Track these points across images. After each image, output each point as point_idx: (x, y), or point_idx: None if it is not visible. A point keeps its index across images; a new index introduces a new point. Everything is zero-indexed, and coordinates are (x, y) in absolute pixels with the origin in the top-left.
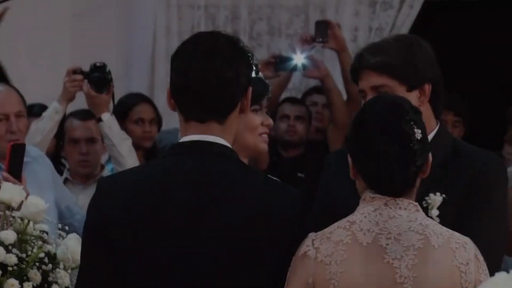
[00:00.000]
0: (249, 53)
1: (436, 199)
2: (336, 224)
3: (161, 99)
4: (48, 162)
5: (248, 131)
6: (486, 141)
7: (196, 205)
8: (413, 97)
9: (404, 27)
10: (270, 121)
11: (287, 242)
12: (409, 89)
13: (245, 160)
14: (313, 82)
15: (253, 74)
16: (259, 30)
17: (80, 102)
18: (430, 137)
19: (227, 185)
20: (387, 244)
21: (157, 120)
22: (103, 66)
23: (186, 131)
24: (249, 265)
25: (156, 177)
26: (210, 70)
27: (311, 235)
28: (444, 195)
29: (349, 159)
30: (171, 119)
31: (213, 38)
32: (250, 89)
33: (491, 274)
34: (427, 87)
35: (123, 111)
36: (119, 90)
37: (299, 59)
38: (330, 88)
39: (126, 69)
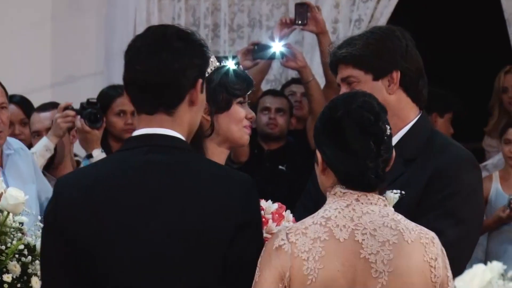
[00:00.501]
0: (203, 46)
1: (392, 196)
2: (309, 219)
3: None
4: (29, 154)
5: (233, 123)
6: (468, 132)
7: (145, 199)
8: (382, 86)
9: (382, 18)
10: (253, 114)
11: (233, 227)
12: (376, 78)
13: (227, 152)
14: (292, 74)
15: (234, 66)
16: (240, 22)
17: None
18: (406, 128)
19: (175, 175)
20: (363, 240)
21: None
22: (96, 102)
23: (139, 124)
24: (199, 253)
25: (106, 174)
26: (156, 63)
27: (284, 228)
28: (402, 192)
29: (318, 155)
30: None
31: (161, 31)
32: (200, 81)
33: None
34: (395, 75)
35: (105, 103)
36: (100, 83)
37: (277, 47)
38: (308, 80)
39: (106, 62)
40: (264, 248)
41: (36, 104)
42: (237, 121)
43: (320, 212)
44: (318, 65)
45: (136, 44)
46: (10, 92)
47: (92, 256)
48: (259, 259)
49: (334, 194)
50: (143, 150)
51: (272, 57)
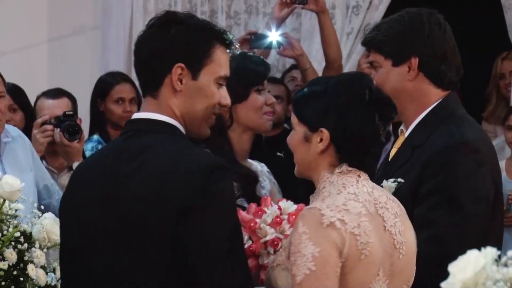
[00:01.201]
0: (195, 31)
1: (389, 185)
2: (339, 197)
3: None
4: (27, 142)
5: (252, 112)
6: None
7: (112, 181)
8: (401, 72)
9: (381, 5)
10: (273, 100)
11: (174, 213)
12: (395, 64)
13: (251, 139)
14: (290, 61)
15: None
16: (237, 9)
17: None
18: (424, 113)
19: (136, 161)
20: (383, 213)
21: (137, 99)
22: (73, 114)
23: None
24: (143, 239)
25: (92, 161)
26: (139, 46)
27: (316, 206)
28: (399, 180)
29: (326, 133)
30: None
31: (159, 17)
32: (178, 66)
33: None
34: (414, 61)
35: (103, 90)
36: (97, 71)
37: (274, 36)
38: (305, 67)
39: (103, 49)
40: (304, 229)
41: (32, 89)
42: (256, 109)
43: (341, 189)
44: (316, 51)
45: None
46: (6, 77)
47: (64, 232)
48: (304, 240)
49: (341, 172)
50: (126, 135)
51: (269, 47)
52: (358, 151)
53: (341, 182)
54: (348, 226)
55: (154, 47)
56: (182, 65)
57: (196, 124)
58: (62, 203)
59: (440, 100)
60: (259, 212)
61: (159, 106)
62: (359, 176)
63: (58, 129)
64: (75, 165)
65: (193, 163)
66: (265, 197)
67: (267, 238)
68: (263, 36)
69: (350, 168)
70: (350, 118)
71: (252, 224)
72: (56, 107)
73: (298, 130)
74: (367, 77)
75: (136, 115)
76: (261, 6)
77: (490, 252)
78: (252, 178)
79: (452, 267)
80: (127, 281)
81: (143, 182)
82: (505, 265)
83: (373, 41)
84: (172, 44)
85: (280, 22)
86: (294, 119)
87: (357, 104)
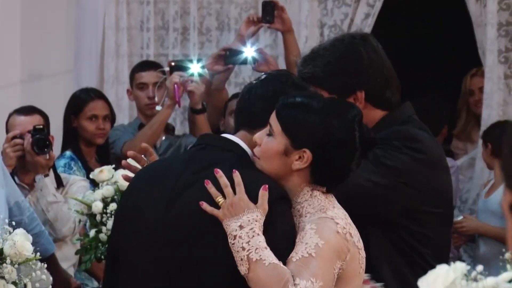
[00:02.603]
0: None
1: None
2: (340, 211)
3: (111, 95)
4: None
5: None
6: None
7: (170, 189)
8: None
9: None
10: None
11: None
12: (340, 97)
13: None
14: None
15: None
16: (209, 25)
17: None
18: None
19: (202, 172)
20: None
21: (111, 116)
22: (43, 128)
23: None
24: (201, 249)
25: (161, 162)
26: (251, 91)
27: (327, 216)
28: None
29: (309, 155)
30: (121, 116)
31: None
32: None
33: None
34: (359, 95)
35: (77, 107)
36: (69, 86)
37: (249, 52)
38: None
39: (75, 65)
40: (312, 226)
41: (5, 105)
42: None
43: (333, 204)
44: None
45: None
46: None
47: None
48: (311, 233)
49: (323, 192)
50: (199, 147)
51: (244, 62)
52: (332, 181)
53: (324, 197)
54: (354, 240)
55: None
56: None
57: None
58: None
59: (383, 115)
60: None
61: (246, 137)
62: (326, 197)
63: (30, 138)
64: (37, 178)
65: (256, 186)
66: None
67: None
68: (238, 52)
69: (323, 189)
70: (339, 155)
71: None
72: (28, 123)
73: (279, 140)
74: (357, 110)
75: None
76: (233, 23)
77: (460, 266)
78: None
79: (422, 282)
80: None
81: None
82: (475, 279)
83: (313, 78)
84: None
85: (246, 40)
86: (277, 127)
87: (348, 144)
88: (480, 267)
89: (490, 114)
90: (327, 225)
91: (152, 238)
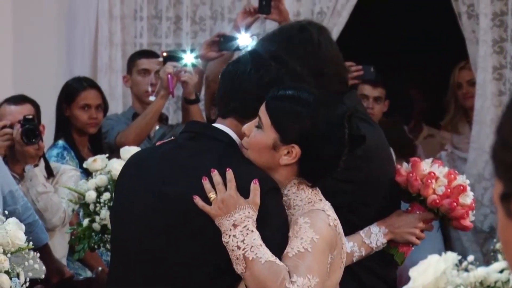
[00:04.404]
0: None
1: None
2: (327, 205)
3: (104, 84)
4: None
5: None
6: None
7: (158, 178)
8: None
9: (344, 11)
10: None
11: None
12: None
13: None
14: None
15: (193, 59)
16: (202, 14)
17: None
18: None
19: (191, 162)
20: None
21: (104, 106)
22: (33, 118)
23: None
24: (187, 237)
25: (150, 152)
26: (241, 81)
27: (318, 208)
28: None
29: (298, 151)
30: (114, 105)
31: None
32: None
33: None
34: None
35: (69, 96)
36: (62, 75)
37: (243, 39)
38: None
39: (68, 53)
40: (306, 220)
41: None
42: None
43: (320, 198)
44: None
45: None
46: None
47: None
48: (305, 227)
49: (309, 186)
50: (187, 136)
51: (238, 49)
52: (319, 176)
53: (311, 190)
54: (340, 231)
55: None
56: None
57: None
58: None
59: None
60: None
61: (236, 126)
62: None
63: (20, 128)
64: (27, 168)
65: (247, 180)
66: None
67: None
68: (232, 38)
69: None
70: (327, 151)
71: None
72: (19, 113)
73: (268, 135)
74: (344, 107)
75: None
76: (226, 12)
77: (451, 256)
78: None
79: (413, 271)
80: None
81: (197, 179)
82: (466, 269)
83: None
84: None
85: (243, 30)
86: (266, 120)
87: (337, 139)
88: (471, 257)
89: (482, 105)
90: (320, 217)
91: (143, 229)
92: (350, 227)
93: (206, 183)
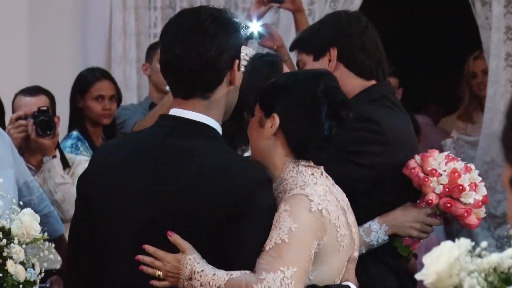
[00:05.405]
0: (236, 25)
1: None
2: (320, 188)
3: (118, 75)
4: (7, 138)
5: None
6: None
7: (151, 179)
8: (322, 65)
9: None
10: None
11: (223, 220)
12: (316, 58)
13: None
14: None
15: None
16: (216, 4)
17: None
18: None
19: (183, 162)
20: (344, 207)
21: (117, 96)
22: (47, 110)
23: (173, 105)
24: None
25: (126, 149)
26: (192, 47)
27: (302, 193)
28: None
29: (277, 119)
30: (128, 95)
31: (195, 15)
32: (237, 61)
33: None
34: (332, 52)
35: (83, 87)
36: (77, 65)
37: (255, 27)
38: (284, 59)
39: (83, 44)
40: (286, 208)
41: (13, 85)
42: None
43: (315, 180)
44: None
45: (171, 29)
46: None
47: (96, 220)
48: (284, 215)
49: (307, 165)
50: (164, 131)
51: (250, 37)
52: (299, 142)
53: (310, 173)
54: (331, 217)
55: (217, 47)
56: (237, 60)
57: (229, 113)
58: (87, 184)
59: (362, 90)
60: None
61: (208, 107)
62: (321, 172)
63: (32, 121)
64: (45, 159)
65: (239, 177)
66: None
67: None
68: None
69: (307, 164)
70: (297, 110)
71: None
72: (33, 104)
73: (256, 115)
74: (328, 75)
75: (179, 112)
76: (240, 1)
77: (464, 243)
78: None
79: (426, 258)
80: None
81: (189, 184)
82: (479, 256)
83: (296, 42)
84: (231, 40)
85: (257, 20)
86: (256, 106)
87: (307, 98)
88: (484, 243)
89: (495, 92)
90: (300, 204)
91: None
92: (367, 213)
93: (146, 269)
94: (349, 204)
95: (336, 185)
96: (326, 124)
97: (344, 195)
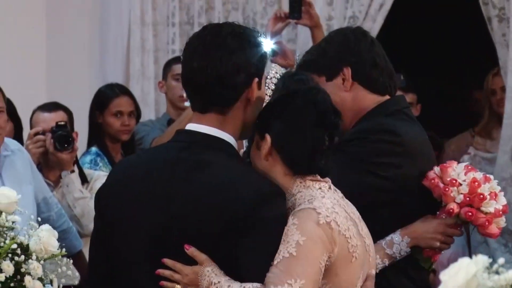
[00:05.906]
0: (259, 43)
1: None
2: (328, 200)
3: (136, 90)
4: (26, 155)
5: None
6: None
7: (164, 192)
8: (337, 85)
9: (379, 16)
10: None
11: (229, 233)
12: (329, 78)
13: None
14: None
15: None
16: (234, 20)
17: None
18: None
19: (194, 174)
20: (355, 218)
21: (136, 113)
22: (65, 125)
23: (192, 120)
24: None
25: (142, 165)
26: (208, 61)
27: (310, 207)
28: None
29: (268, 138)
30: (146, 111)
31: (217, 30)
32: (256, 80)
33: None
34: (346, 71)
35: (102, 103)
36: (95, 81)
37: (268, 44)
38: None
39: (101, 60)
40: (294, 221)
41: (31, 101)
42: None
43: (322, 193)
44: None
45: (192, 43)
46: (4, 90)
47: (111, 233)
48: (292, 229)
49: (313, 180)
50: (180, 146)
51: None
52: (292, 157)
53: (317, 187)
54: (340, 228)
55: (235, 63)
56: (257, 78)
57: (248, 131)
58: (102, 197)
59: (376, 105)
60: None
61: (224, 122)
62: (329, 186)
63: (50, 136)
64: (64, 174)
65: (247, 189)
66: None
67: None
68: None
69: (318, 177)
70: (284, 126)
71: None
72: (51, 120)
73: (255, 138)
74: (315, 88)
75: (195, 127)
76: (258, 17)
77: (481, 259)
78: None
79: (444, 275)
80: None
81: (200, 195)
82: (497, 272)
83: (304, 63)
84: (252, 58)
85: (274, 36)
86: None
87: (292, 112)
88: (501, 260)
89: None
90: (308, 217)
91: (153, 247)
92: (386, 225)
93: (165, 283)
94: (360, 217)
95: (345, 199)
96: (316, 134)
97: (354, 208)
